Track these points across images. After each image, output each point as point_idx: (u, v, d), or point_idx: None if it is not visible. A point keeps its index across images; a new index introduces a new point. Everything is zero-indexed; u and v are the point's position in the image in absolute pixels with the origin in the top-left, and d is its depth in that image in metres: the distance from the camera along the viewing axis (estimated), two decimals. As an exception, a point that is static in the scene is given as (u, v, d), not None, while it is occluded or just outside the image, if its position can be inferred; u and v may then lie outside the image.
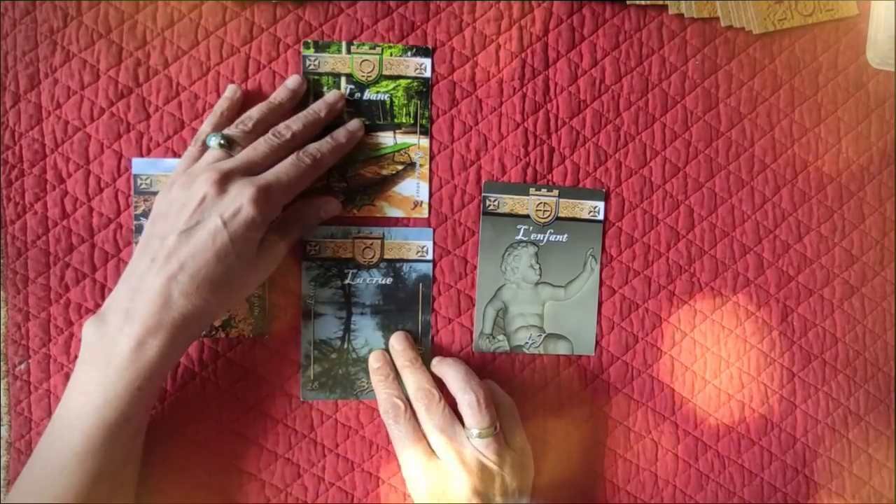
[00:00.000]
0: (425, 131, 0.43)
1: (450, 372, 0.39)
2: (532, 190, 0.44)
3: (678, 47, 0.45)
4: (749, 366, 0.46)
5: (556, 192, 0.44)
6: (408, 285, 0.43)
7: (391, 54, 0.43)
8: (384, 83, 0.43)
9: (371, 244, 0.43)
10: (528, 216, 0.44)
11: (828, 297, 0.46)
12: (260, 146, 0.37)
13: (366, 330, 0.43)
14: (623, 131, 0.45)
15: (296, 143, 0.39)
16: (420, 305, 0.43)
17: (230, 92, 0.40)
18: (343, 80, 0.42)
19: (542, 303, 0.44)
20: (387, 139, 0.43)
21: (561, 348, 0.44)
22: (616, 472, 0.45)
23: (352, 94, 0.43)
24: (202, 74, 0.42)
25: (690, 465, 0.46)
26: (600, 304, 0.45)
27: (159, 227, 0.35)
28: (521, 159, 0.44)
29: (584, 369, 0.45)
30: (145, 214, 0.41)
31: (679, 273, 0.45)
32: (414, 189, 0.43)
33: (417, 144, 0.43)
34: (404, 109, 0.43)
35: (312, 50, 0.42)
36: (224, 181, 0.35)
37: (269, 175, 0.36)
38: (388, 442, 0.43)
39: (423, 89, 0.43)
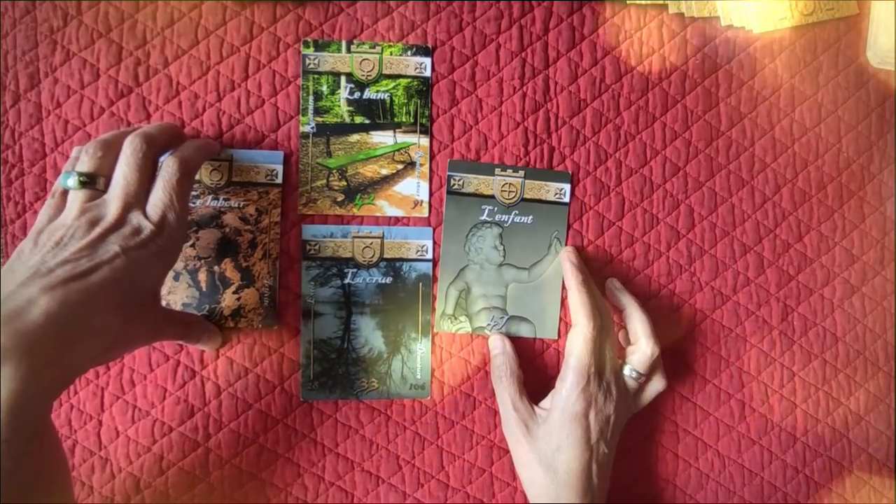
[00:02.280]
0: (425, 130, 0.43)
1: (638, 317, 0.41)
2: (497, 170, 0.44)
3: (678, 47, 0.45)
4: (749, 365, 0.46)
5: (521, 173, 0.44)
6: (408, 284, 0.43)
7: (391, 53, 0.43)
8: (384, 82, 0.43)
9: (371, 243, 0.43)
10: (493, 196, 0.44)
11: (828, 296, 0.46)
12: (126, 171, 0.33)
13: (366, 329, 0.43)
14: (623, 130, 0.45)
15: (157, 148, 0.35)
16: (420, 305, 0.43)
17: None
18: (343, 79, 0.42)
19: (506, 284, 0.44)
20: (387, 138, 0.43)
21: (524, 331, 0.44)
22: (616, 472, 0.45)
23: (352, 93, 0.43)
24: (202, 74, 0.42)
25: (690, 465, 0.46)
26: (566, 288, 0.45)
27: (35, 260, 0.30)
28: (521, 158, 0.44)
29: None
30: None
31: (679, 272, 0.45)
32: (414, 188, 0.43)
33: (417, 143, 0.43)
34: (404, 108, 0.43)
35: (312, 49, 0.42)
36: (123, 216, 0.32)
37: (153, 198, 0.33)
38: (389, 441, 0.43)
39: (423, 88, 0.43)
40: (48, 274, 0.29)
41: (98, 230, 0.31)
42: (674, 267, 0.45)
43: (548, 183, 0.44)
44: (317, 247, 0.42)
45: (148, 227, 0.32)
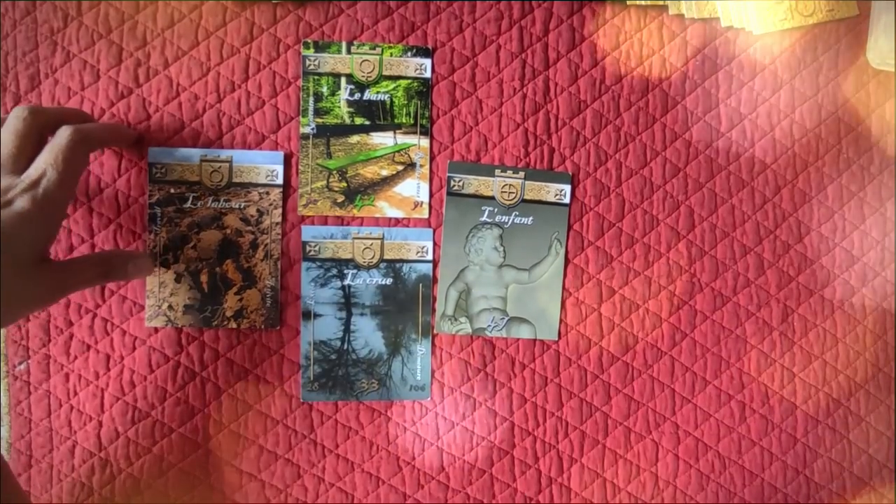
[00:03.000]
0: (425, 131, 0.43)
1: None
2: (497, 171, 0.44)
3: (678, 47, 0.45)
4: (749, 366, 0.46)
5: (521, 174, 0.44)
6: (408, 286, 0.43)
7: (391, 54, 0.43)
8: (384, 83, 0.43)
9: (371, 244, 0.43)
10: (493, 198, 0.44)
11: (828, 297, 0.46)
12: (6, 134, 0.33)
13: (366, 330, 0.43)
14: (623, 132, 0.45)
15: (41, 118, 0.35)
16: (420, 306, 0.43)
17: None
18: (343, 80, 0.42)
19: (506, 285, 0.44)
20: (387, 139, 0.43)
21: (524, 332, 0.44)
22: (616, 472, 0.45)
23: (352, 94, 0.43)
24: (202, 75, 0.42)
25: (691, 466, 0.46)
26: (567, 290, 0.45)
27: None
28: (521, 160, 0.44)
29: (583, 369, 0.45)
30: (160, 203, 0.41)
31: (679, 273, 0.45)
32: (414, 189, 0.43)
33: (418, 145, 0.43)
34: (404, 110, 0.43)
35: (312, 50, 0.42)
36: None
37: (40, 163, 0.32)
38: (389, 442, 0.43)
39: (423, 89, 0.43)
40: None
41: None
42: (674, 268, 0.45)
43: (548, 184, 0.44)
44: (317, 248, 0.42)
45: (18, 184, 0.31)
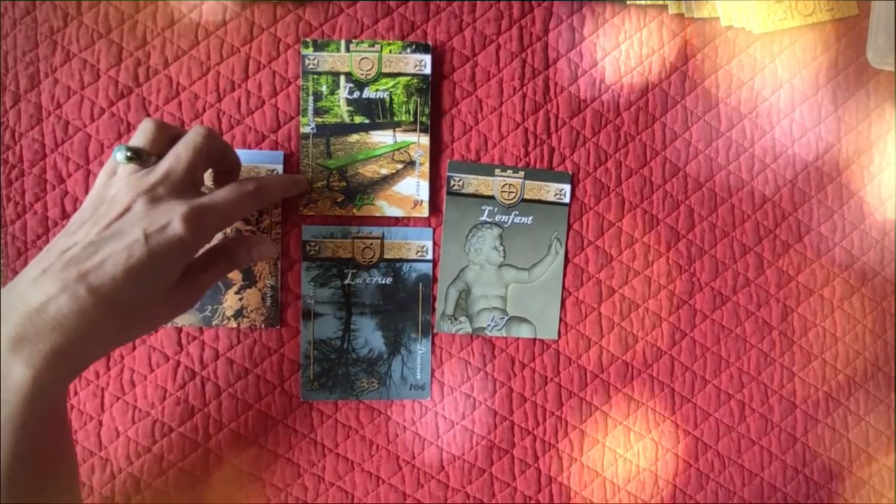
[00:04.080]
0: (425, 129, 0.43)
1: None
2: (497, 171, 0.44)
3: (678, 47, 0.45)
4: (749, 365, 0.46)
5: (521, 173, 0.44)
6: (407, 285, 0.43)
7: (390, 51, 0.43)
8: (384, 81, 0.43)
9: (371, 244, 0.43)
10: (493, 197, 0.44)
11: (828, 296, 0.46)
12: (181, 151, 0.33)
13: (366, 330, 0.43)
14: (623, 131, 0.45)
15: (217, 142, 0.35)
16: (420, 305, 0.43)
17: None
18: (342, 78, 0.42)
19: (506, 285, 0.44)
20: (386, 138, 0.43)
21: (524, 331, 0.44)
22: (616, 472, 0.45)
23: (351, 92, 0.43)
24: (202, 74, 0.42)
25: (690, 465, 0.46)
26: (566, 289, 0.45)
27: (64, 241, 0.30)
28: (521, 159, 0.44)
29: (583, 369, 0.45)
30: None
31: (679, 273, 0.45)
32: (414, 188, 0.43)
33: (417, 142, 0.43)
34: (404, 107, 0.43)
35: (311, 49, 0.42)
36: (151, 194, 0.31)
37: (206, 198, 0.32)
38: (388, 441, 0.43)
39: (422, 86, 0.43)
40: (68, 266, 0.28)
41: (116, 212, 0.30)
42: (674, 267, 0.45)
43: (548, 183, 0.44)
44: (317, 247, 0.42)
45: (183, 210, 0.31)
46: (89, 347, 0.29)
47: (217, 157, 0.35)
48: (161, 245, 0.30)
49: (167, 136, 0.34)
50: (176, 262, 0.31)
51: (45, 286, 0.28)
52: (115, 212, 0.30)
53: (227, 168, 0.37)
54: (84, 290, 0.28)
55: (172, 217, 0.30)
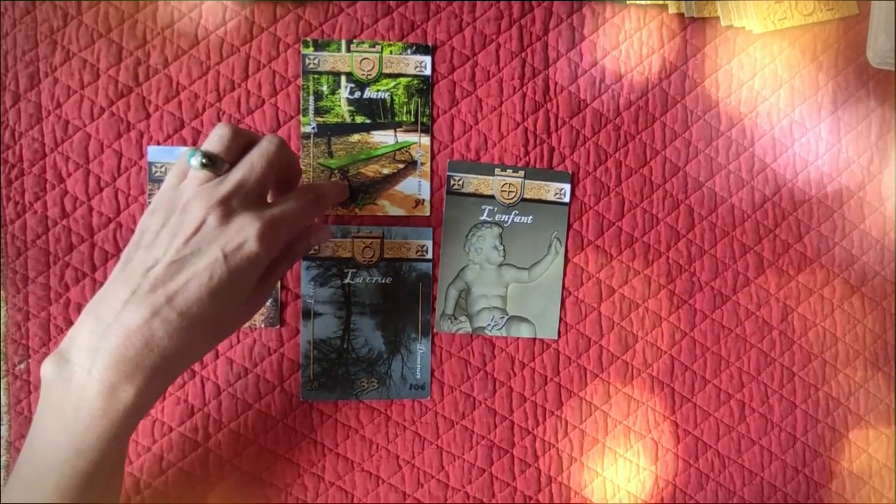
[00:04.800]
0: (426, 129, 0.43)
1: None
2: (497, 170, 0.44)
3: (678, 47, 0.45)
4: (749, 365, 0.46)
5: (521, 173, 0.44)
6: (407, 285, 0.43)
7: (391, 52, 0.43)
8: (384, 81, 0.43)
9: (371, 244, 0.43)
10: (493, 197, 0.44)
11: (828, 296, 0.46)
12: (255, 161, 0.33)
13: (366, 330, 0.43)
14: (623, 131, 0.45)
15: (289, 153, 0.35)
16: (420, 305, 0.43)
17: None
18: (343, 78, 0.42)
19: (506, 284, 0.44)
20: (387, 138, 0.43)
21: (524, 331, 0.44)
22: (616, 472, 0.45)
23: (352, 92, 0.43)
24: (202, 74, 0.42)
25: (690, 465, 0.46)
26: (566, 289, 0.45)
27: (144, 255, 0.30)
28: (521, 159, 0.44)
29: (583, 368, 0.45)
30: None
31: (679, 273, 0.45)
32: (415, 187, 0.43)
33: (418, 143, 0.43)
34: (405, 107, 0.43)
35: (312, 49, 0.42)
36: (224, 207, 0.31)
37: (276, 209, 0.33)
38: (388, 441, 0.43)
39: (423, 87, 0.43)
40: (155, 289, 0.29)
41: (192, 226, 0.31)
42: (674, 267, 0.45)
43: (548, 183, 0.44)
44: (317, 247, 0.42)
45: (257, 224, 0.31)
46: (181, 362, 0.31)
47: (285, 168, 0.35)
48: (239, 264, 0.31)
49: (242, 143, 0.33)
50: (253, 276, 0.32)
51: (138, 309, 0.29)
52: (190, 226, 0.30)
53: (289, 177, 0.37)
54: (174, 313, 0.29)
55: (248, 235, 0.31)
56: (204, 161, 0.31)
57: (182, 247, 0.30)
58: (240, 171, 0.32)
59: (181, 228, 0.30)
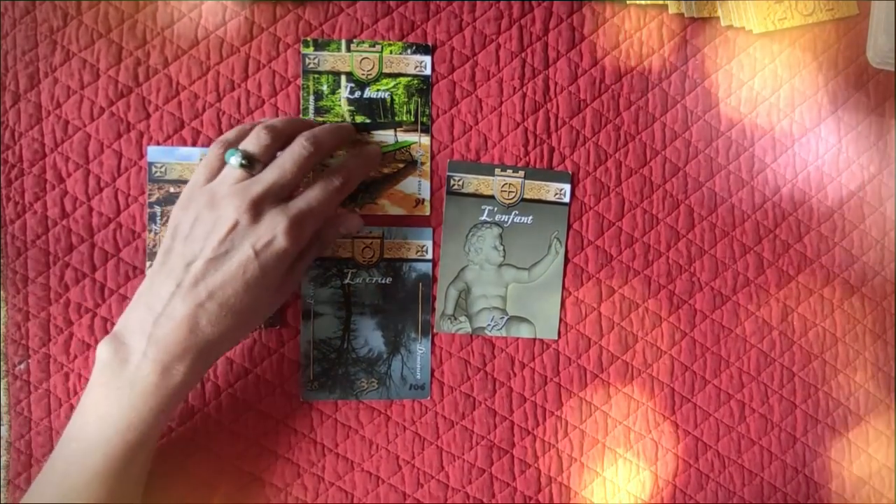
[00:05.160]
0: (426, 129, 0.43)
1: None
2: (497, 170, 0.44)
3: (678, 47, 0.45)
4: (749, 365, 0.46)
5: (521, 173, 0.44)
6: (407, 285, 0.43)
7: (391, 52, 0.43)
8: (384, 81, 0.43)
9: (370, 244, 0.43)
10: (492, 197, 0.44)
11: (828, 296, 0.46)
12: (287, 165, 0.35)
13: (365, 330, 0.43)
14: (623, 131, 0.45)
15: (322, 155, 0.37)
16: (420, 305, 0.43)
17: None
18: (343, 78, 0.42)
19: (506, 285, 0.44)
20: (388, 137, 0.43)
21: (524, 331, 0.44)
22: (616, 472, 0.45)
23: (352, 92, 0.42)
24: (202, 74, 0.42)
25: (690, 465, 0.46)
26: (566, 289, 0.45)
27: (182, 249, 0.34)
28: (521, 159, 0.44)
29: (583, 368, 0.45)
30: (159, 202, 0.41)
31: (679, 273, 0.45)
32: (416, 187, 0.43)
33: (418, 142, 0.43)
34: (405, 107, 0.43)
35: (312, 48, 0.42)
36: (256, 208, 0.34)
37: (301, 202, 0.36)
38: (388, 441, 0.43)
39: (423, 87, 0.43)
40: (196, 285, 0.33)
41: (226, 226, 0.34)
42: (673, 267, 0.45)
43: (548, 183, 0.44)
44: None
45: (284, 221, 0.34)
46: (220, 346, 0.35)
47: (328, 156, 0.39)
48: (270, 259, 0.34)
49: (279, 145, 0.36)
50: (282, 268, 0.35)
51: (184, 302, 0.33)
52: (224, 225, 0.34)
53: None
54: (215, 305, 0.33)
55: (276, 232, 0.34)
56: (243, 162, 0.35)
57: (217, 245, 0.33)
58: (272, 174, 0.35)
59: (216, 227, 0.34)
